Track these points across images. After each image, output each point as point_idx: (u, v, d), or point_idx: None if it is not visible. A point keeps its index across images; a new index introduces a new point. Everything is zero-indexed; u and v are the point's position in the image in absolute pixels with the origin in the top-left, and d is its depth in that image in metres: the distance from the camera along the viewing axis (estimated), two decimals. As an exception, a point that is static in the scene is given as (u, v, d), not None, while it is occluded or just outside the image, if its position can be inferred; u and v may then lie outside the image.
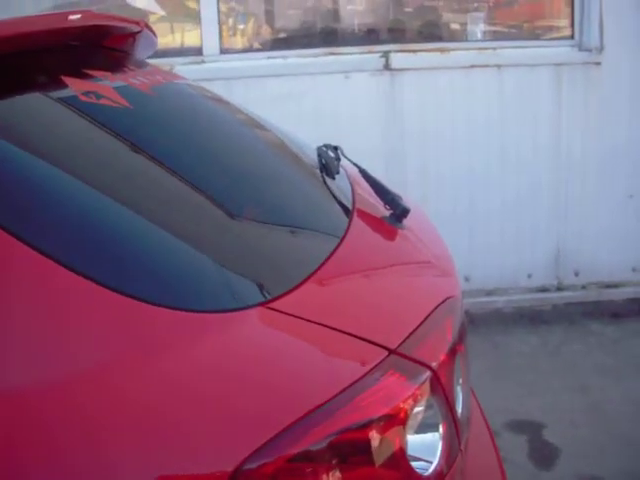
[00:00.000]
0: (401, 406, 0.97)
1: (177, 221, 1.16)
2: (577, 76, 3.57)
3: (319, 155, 1.64)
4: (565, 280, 3.71)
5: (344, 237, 1.36)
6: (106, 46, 1.66)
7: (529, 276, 3.68)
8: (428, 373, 1.06)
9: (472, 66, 3.52)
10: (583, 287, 3.70)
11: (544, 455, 2.65)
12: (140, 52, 1.81)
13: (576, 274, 3.70)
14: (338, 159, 1.66)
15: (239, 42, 3.72)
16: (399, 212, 1.55)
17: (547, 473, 2.55)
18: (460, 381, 1.23)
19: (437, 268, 1.53)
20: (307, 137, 3.40)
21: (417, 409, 1.01)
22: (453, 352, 1.18)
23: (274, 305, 1.05)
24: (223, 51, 3.57)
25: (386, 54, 3.49)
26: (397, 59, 3.49)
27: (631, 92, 3.57)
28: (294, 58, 3.52)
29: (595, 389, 3.04)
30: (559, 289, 3.70)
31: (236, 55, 3.59)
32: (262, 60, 3.53)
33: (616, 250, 3.67)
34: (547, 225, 3.68)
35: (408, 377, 1.02)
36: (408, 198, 1.98)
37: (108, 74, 1.47)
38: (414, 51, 3.53)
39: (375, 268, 1.37)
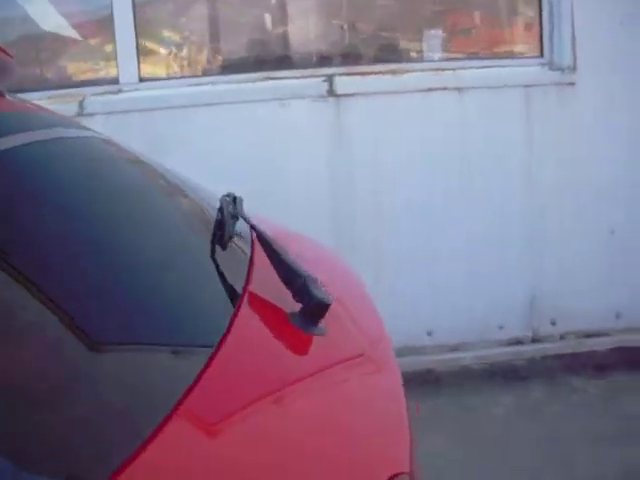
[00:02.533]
0: None
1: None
2: (548, 98, 3.18)
3: (219, 210, 1.21)
4: (541, 330, 3.31)
5: (212, 358, 0.94)
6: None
7: (500, 327, 3.25)
8: None
9: (429, 89, 3.11)
10: (561, 337, 3.32)
11: None
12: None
13: (553, 323, 3.31)
14: (235, 217, 1.22)
15: (161, 68, 3.27)
16: (312, 308, 1.10)
17: None
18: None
19: (375, 421, 1.10)
20: (237, 178, 2.98)
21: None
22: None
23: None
24: (143, 79, 3.10)
25: (330, 78, 3.06)
26: (343, 83, 3.06)
27: (608, 115, 3.18)
28: (224, 84, 3.09)
29: (584, 461, 2.60)
30: (534, 340, 3.31)
31: (158, 83, 3.16)
32: (188, 87, 3.11)
33: (597, 294, 3.27)
34: (519, 266, 3.27)
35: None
36: (337, 271, 1.56)
37: None
38: (362, 74, 3.11)
39: (253, 429, 0.92)
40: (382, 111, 3.09)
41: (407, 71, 3.13)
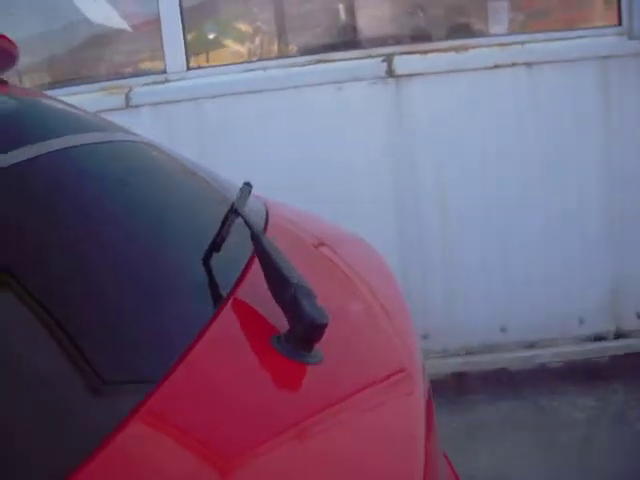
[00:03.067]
0: None
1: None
2: (628, 71, 2.88)
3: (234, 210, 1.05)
4: (625, 324, 3.02)
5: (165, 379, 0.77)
6: None
7: (580, 322, 2.98)
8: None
9: (496, 66, 2.84)
10: (648, 332, 3.01)
11: None
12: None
13: (639, 316, 3.00)
14: (235, 211, 1.05)
15: (209, 55, 3.10)
16: (301, 328, 0.89)
17: None
18: None
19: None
20: (291, 167, 2.80)
21: None
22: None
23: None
24: (190, 67, 2.95)
25: (389, 57, 2.84)
26: (403, 63, 2.84)
27: None
28: (276, 69, 2.90)
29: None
30: (618, 336, 3.01)
31: (206, 70, 2.99)
32: (237, 74, 2.93)
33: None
34: (600, 255, 2.99)
35: None
36: (360, 255, 1.39)
37: None
38: (423, 52, 2.87)
39: None
40: (446, 91, 2.86)
41: (471, 47, 2.87)
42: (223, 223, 1.02)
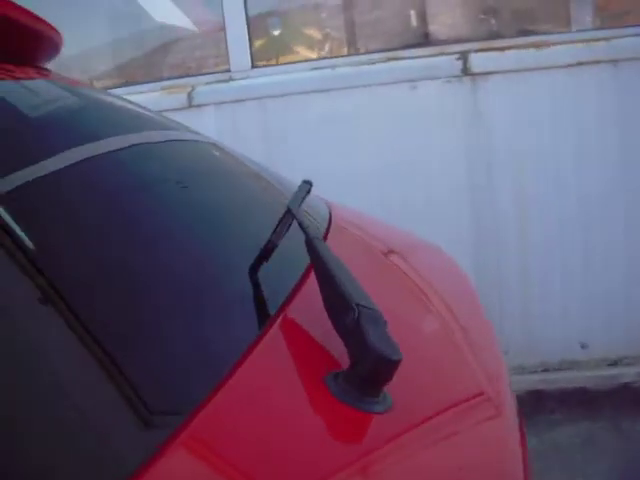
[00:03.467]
0: None
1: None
2: None
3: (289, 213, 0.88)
4: None
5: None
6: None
7: (668, 339, 2.77)
8: None
9: (579, 63, 2.66)
10: None
11: None
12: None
13: None
14: (290, 213, 0.88)
15: (274, 52, 2.99)
16: (367, 368, 0.70)
17: None
18: None
19: None
20: (360, 171, 2.67)
21: None
22: None
23: None
24: (255, 65, 2.83)
25: (464, 55, 2.68)
26: (479, 60, 2.68)
27: None
28: (345, 67, 2.76)
29: None
30: None
31: (271, 69, 2.87)
32: (304, 72, 2.80)
33: None
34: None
35: None
36: (438, 266, 1.25)
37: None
38: (501, 49, 2.70)
39: None
40: (524, 90, 2.69)
41: (552, 43, 2.69)
42: (276, 227, 0.85)
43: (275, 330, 0.77)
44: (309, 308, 0.81)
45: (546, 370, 2.75)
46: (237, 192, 1.14)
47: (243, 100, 2.76)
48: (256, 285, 0.83)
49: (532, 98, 2.69)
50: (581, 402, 2.76)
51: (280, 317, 0.80)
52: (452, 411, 0.83)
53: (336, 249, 0.84)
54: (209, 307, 0.78)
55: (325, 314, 0.77)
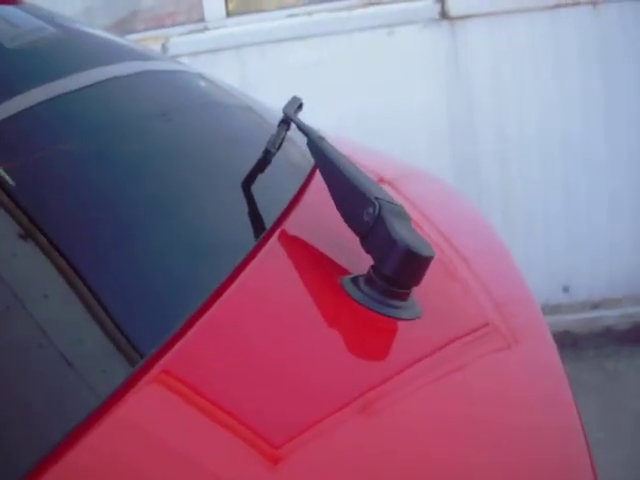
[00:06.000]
0: None
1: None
2: None
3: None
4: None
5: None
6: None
7: (649, 281, 2.80)
8: None
9: (557, 5, 2.64)
10: None
11: None
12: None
13: None
14: (285, 122, 0.83)
15: (250, 1, 2.93)
16: (394, 266, 0.62)
17: None
18: None
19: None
20: (339, 116, 2.64)
21: None
22: None
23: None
24: (230, 13, 2.79)
25: (442, -2, 2.65)
26: (457, 4, 2.64)
27: None
28: (322, 13, 2.72)
29: None
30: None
31: (247, 17, 2.82)
32: (281, 20, 2.75)
33: None
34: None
35: None
36: (454, 207, 1.18)
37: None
38: (480, -9, 2.67)
39: None
40: (503, 34, 2.66)
41: (531, -15, 2.68)
42: (273, 138, 0.80)
43: (278, 238, 0.72)
44: (315, 215, 0.77)
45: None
46: (227, 119, 1.11)
47: (219, 50, 2.71)
48: (254, 196, 0.78)
49: (511, 41, 2.67)
50: (564, 345, 2.79)
51: (284, 224, 0.75)
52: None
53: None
54: (207, 219, 0.75)
55: (332, 222, 0.71)
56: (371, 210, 0.65)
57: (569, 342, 2.78)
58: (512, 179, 2.71)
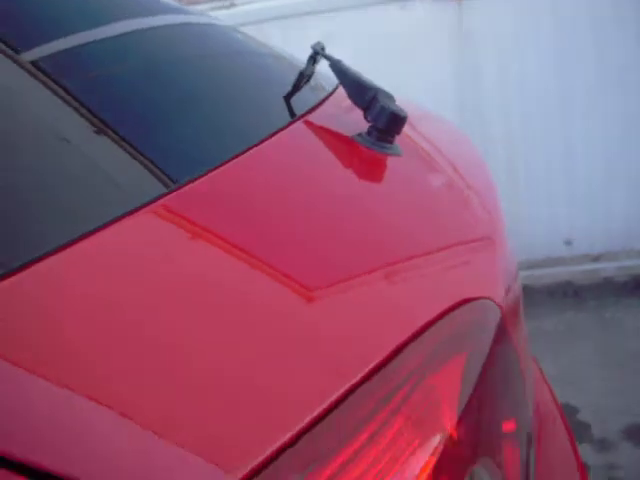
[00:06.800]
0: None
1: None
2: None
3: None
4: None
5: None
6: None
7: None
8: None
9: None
10: None
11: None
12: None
13: None
14: (313, 58, 1.12)
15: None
16: (383, 123, 0.98)
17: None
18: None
19: (452, 234, 0.93)
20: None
21: None
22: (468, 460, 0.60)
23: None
24: (255, -9, 3.02)
25: (450, -27, 2.84)
26: (464, -22, 2.84)
27: None
28: (340, -11, 2.93)
29: None
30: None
31: (270, -6, 3.03)
32: (300, -4, 2.96)
33: None
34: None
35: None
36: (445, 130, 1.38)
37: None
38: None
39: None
40: (510, 7, 2.86)
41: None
42: (302, 71, 1.08)
43: (311, 115, 1.03)
44: (336, 110, 1.09)
45: (531, 267, 2.98)
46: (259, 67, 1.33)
47: (245, 24, 2.92)
48: (292, 101, 1.06)
49: (514, 11, 2.86)
50: (566, 295, 3.00)
51: (312, 114, 1.05)
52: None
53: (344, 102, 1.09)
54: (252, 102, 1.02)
55: (346, 113, 1.05)
56: (371, 92, 1.01)
57: (571, 292, 3.00)
58: (515, 133, 2.92)
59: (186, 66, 1.04)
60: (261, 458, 0.50)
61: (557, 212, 2.95)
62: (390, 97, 1.02)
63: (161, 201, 0.70)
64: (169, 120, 0.88)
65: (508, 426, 0.74)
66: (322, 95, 1.12)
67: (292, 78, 1.08)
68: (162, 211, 0.70)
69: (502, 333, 0.79)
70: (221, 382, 0.55)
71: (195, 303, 0.61)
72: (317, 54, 1.10)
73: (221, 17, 2.92)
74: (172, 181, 0.75)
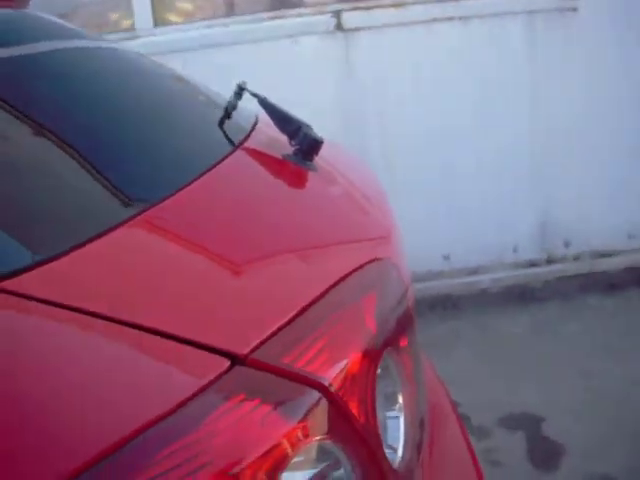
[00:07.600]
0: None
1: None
2: (553, 25, 3.19)
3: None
4: (555, 252, 3.35)
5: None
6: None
7: (514, 250, 3.31)
8: (317, 395, 0.66)
9: (434, 19, 3.14)
10: (575, 258, 3.34)
11: (545, 454, 2.28)
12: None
13: (566, 244, 3.34)
14: (239, 94, 1.37)
15: (175, 12, 3.34)
16: (306, 146, 1.25)
17: (549, 475, 2.19)
18: (400, 385, 0.85)
19: (359, 222, 1.24)
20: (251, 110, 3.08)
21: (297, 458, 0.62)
22: (381, 349, 0.80)
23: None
24: (157, 23, 3.20)
25: (337, 13, 3.12)
26: (350, 18, 3.12)
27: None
28: (236, 25, 3.15)
29: (597, 374, 2.68)
30: (549, 262, 3.34)
31: (172, 27, 3.23)
32: (200, 30, 3.17)
33: (610, 214, 3.30)
34: (531, 188, 3.31)
35: (275, 405, 0.63)
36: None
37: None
38: (367, 8, 3.15)
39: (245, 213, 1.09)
40: (388, 43, 3.16)
41: (410, 3, 3.17)
42: (230, 101, 1.33)
43: (247, 143, 1.29)
44: (265, 140, 1.33)
45: (415, 281, 3.24)
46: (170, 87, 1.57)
47: (148, 55, 3.10)
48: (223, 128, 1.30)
49: (394, 49, 3.16)
50: (446, 307, 3.27)
51: (247, 142, 1.29)
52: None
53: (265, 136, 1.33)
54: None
55: (273, 140, 1.30)
56: (295, 123, 1.28)
57: (450, 304, 3.28)
58: (396, 164, 3.20)
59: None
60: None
61: (436, 227, 3.22)
62: (309, 127, 1.29)
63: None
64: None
65: (403, 342, 0.96)
66: (248, 126, 1.36)
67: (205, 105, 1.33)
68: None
69: (403, 286, 1.09)
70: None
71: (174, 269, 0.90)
72: (242, 90, 1.34)
73: (127, 47, 3.10)
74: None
